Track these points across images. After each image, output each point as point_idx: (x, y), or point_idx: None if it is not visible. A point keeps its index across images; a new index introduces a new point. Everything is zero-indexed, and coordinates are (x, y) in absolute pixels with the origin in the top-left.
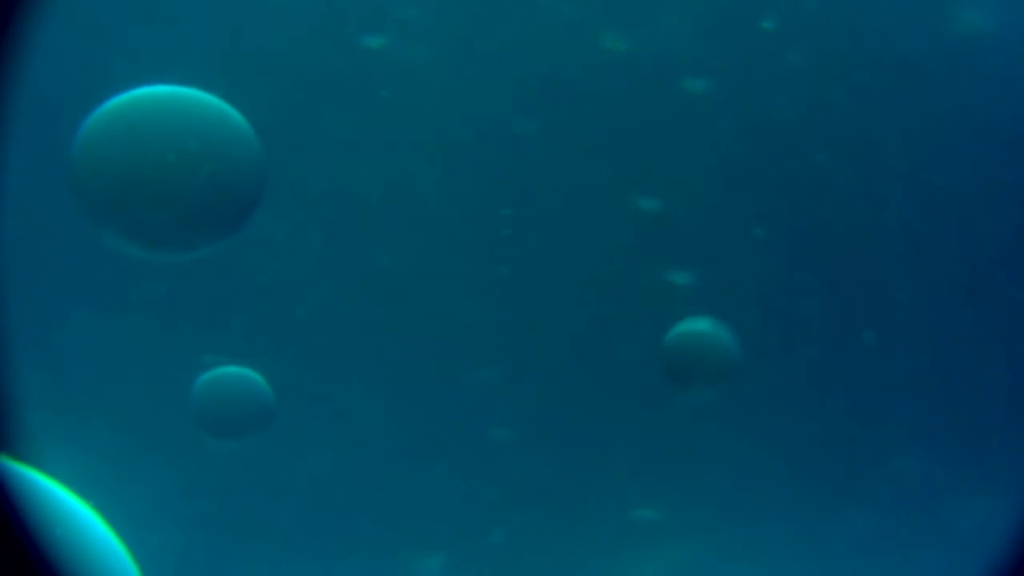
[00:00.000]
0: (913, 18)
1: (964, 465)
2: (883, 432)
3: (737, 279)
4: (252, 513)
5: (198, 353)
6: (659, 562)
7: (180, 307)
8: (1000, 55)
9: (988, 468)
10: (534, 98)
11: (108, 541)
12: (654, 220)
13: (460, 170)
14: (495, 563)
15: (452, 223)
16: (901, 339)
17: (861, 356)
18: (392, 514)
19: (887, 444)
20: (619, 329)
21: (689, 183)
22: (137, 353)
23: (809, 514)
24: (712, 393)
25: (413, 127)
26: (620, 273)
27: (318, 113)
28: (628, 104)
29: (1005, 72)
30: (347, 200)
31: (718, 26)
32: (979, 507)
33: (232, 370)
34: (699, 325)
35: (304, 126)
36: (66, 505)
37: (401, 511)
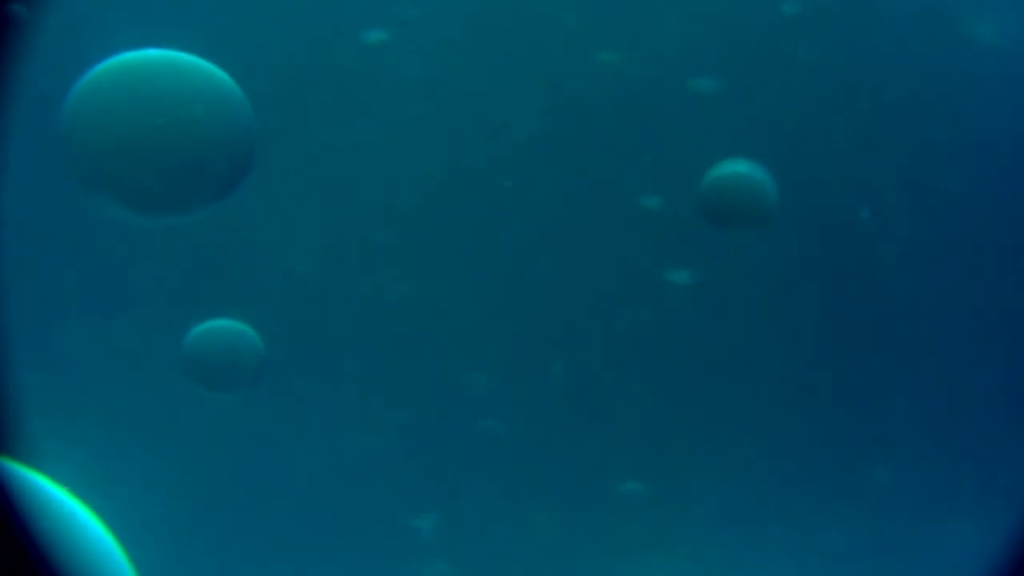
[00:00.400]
0: (927, 24)
1: (961, 471)
2: (879, 435)
3: (736, 279)
4: (248, 514)
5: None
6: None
7: (179, 303)
8: (1008, 63)
9: (986, 473)
10: (537, 95)
11: (103, 541)
12: (656, 218)
13: (460, 166)
14: (487, 523)
15: (450, 218)
16: (899, 343)
17: (857, 360)
18: (386, 478)
19: (883, 447)
20: (619, 324)
21: (694, 181)
22: (135, 350)
23: (801, 516)
24: (749, 235)
25: (412, 124)
26: (621, 271)
27: (312, 84)
28: (633, 100)
29: (1012, 80)
30: (341, 180)
31: (727, 25)
32: (977, 512)
33: (224, 323)
34: (737, 167)
35: (295, 94)
36: (62, 505)
37: (395, 474)
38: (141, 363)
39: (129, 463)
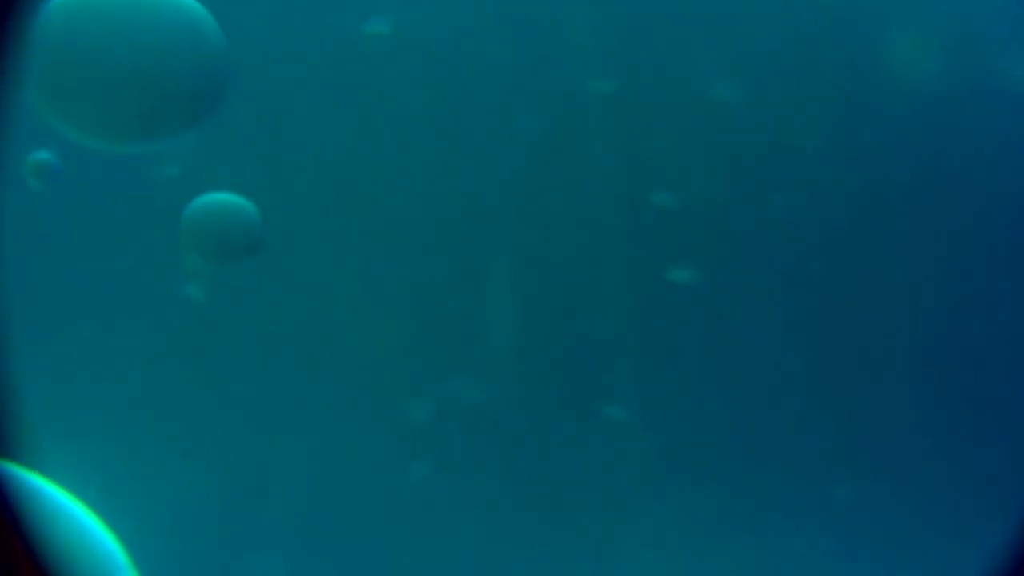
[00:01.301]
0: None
1: (959, 479)
2: (856, 447)
3: (737, 279)
4: (246, 518)
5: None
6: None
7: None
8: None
9: (986, 477)
10: (543, 94)
11: (104, 543)
12: (667, 216)
13: (459, 164)
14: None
15: (451, 213)
16: (894, 351)
17: (854, 366)
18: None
19: (858, 460)
20: (621, 321)
21: (703, 180)
22: (135, 351)
23: (772, 524)
24: None
25: (411, 116)
26: (623, 269)
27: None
28: (636, 98)
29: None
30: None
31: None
32: (953, 528)
33: (223, 196)
34: None
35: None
36: (61, 506)
37: (391, 358)
38: (140, 361)
39: (129, 464)
